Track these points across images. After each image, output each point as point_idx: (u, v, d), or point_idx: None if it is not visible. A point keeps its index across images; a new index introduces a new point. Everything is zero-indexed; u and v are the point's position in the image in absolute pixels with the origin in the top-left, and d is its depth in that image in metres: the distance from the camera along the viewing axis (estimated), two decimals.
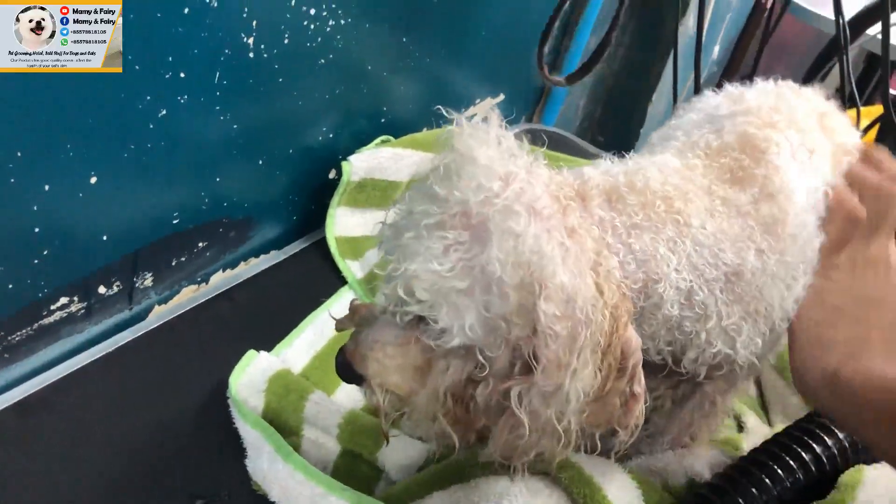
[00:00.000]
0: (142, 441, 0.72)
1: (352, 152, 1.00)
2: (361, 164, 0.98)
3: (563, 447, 0.53)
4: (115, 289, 0.79)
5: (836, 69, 1.41)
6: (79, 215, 0.70)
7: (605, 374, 0.50)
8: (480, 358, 0.50)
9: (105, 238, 0.74)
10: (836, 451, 0.65)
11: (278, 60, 0.80)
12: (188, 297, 0.89)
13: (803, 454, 0.64)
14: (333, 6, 0.83)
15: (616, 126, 1.77)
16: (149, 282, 0.82)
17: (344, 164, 0.97)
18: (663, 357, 0.58)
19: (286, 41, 0.79)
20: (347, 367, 0.55)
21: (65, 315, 0.75)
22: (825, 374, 0.57)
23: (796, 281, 0.59)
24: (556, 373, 0.48)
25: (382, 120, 1.05)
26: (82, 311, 0.77)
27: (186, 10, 0.67)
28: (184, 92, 0.72)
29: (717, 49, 2.03)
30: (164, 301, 0.86)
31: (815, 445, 0.65)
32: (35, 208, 0.66)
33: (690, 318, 0.56)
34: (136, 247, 0.78)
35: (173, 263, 0.84)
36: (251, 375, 0.75)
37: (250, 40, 0.75)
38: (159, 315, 0.85)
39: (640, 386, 0.52)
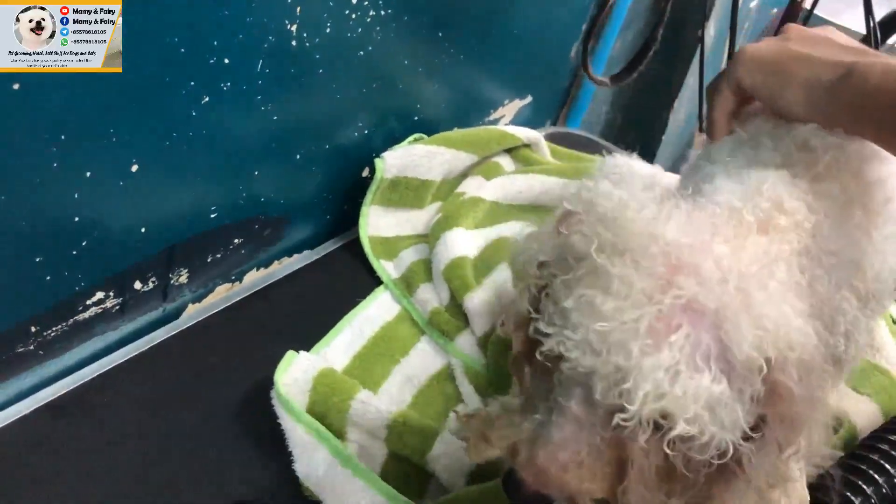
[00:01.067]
0: (178, 443, 0.69)
1: (384, 151, 0.98)
2: (395, 161, 0.96)
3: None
4: (151, 285, 0.76)
5: None
6: (118, 205, 0.68)
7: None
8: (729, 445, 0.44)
9: (143, 231, 0.72)
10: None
11: (319, 50, 0.78)
12: (222, 295, 0.86)
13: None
14: None
15: (638, 133, 1.75)
16: (184, 278, 0.80)
17: (377, 160, 0.94)
18: None
19: (328, 30, 0.77)
20: (539, 498, 0.48)
21: (99, 311, 0.73)
22: None
23: None
24: (793, 435, 0.45)
25: (415, 118, 1.03)
26: (117, 308, 0.74)
27: None
28: (227, 79, 0.70)
29: None
30: (199, 299, 0.84)
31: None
32: (76, 196, 0.63)
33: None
34: (173, 241, 0.76)
35: (209, 260, 0.82)
36: (294, 375, 0.72)
37: (293, 27, 0.73)
38: (193, 314, 0.83)
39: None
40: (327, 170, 0.92)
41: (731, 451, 0.43)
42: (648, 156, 1.76)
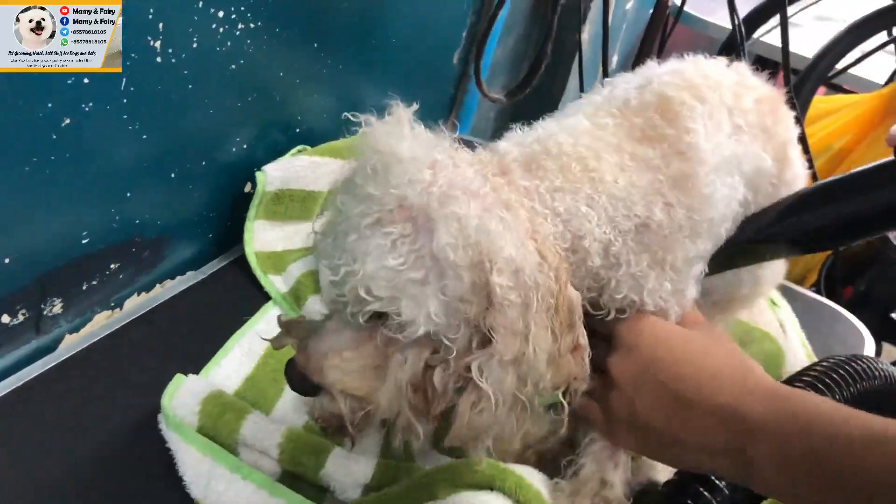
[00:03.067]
0: (62, 482, 0.66)
1: (264, 164, 0.96)
2: (277, 173, 0.94)
3: (523, 423, 0.54)
4: (21, 317, 0.73)
5: None
6: None
7: (558, 331, 0.53)
8: (445, 341, 0.51)
9: (7, 261, 0.68)
10: None
11: (187, 66, 0.76)
12: (102, 323, 0.83)
13: None
14: (242, 9, 0.79)
15: None
16: (58, 308, 0.76)
17: (258, 174, 0.93)
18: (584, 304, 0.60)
19: (195, 45, 0.75)
20: (303, 379, 0.55)
21: None
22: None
23: (701, 236, 0.62)
24: (514, 340, 0.50)
25: (297, 130, 1.02)
26: None
27: None
28: (88, 100, 0.67)
29: (615, 59, 2.08)
30: (76, 329, 0.80)
31: None
32: None
33: (605, 266, 0.58)
34: (42, 270, 0.72)
35: (84, 288, 0.78)
36: (182, 399, 0.70)
37: (157, 44, 0.71)
38: (70, 345, 0.79)
39: (583, 337, 0.55)
40: (206, 187, 0.89)
41: (453, 352, 0.51)
42: None
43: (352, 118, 0.56)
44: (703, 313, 0.72)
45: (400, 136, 0.52)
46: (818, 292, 1.52)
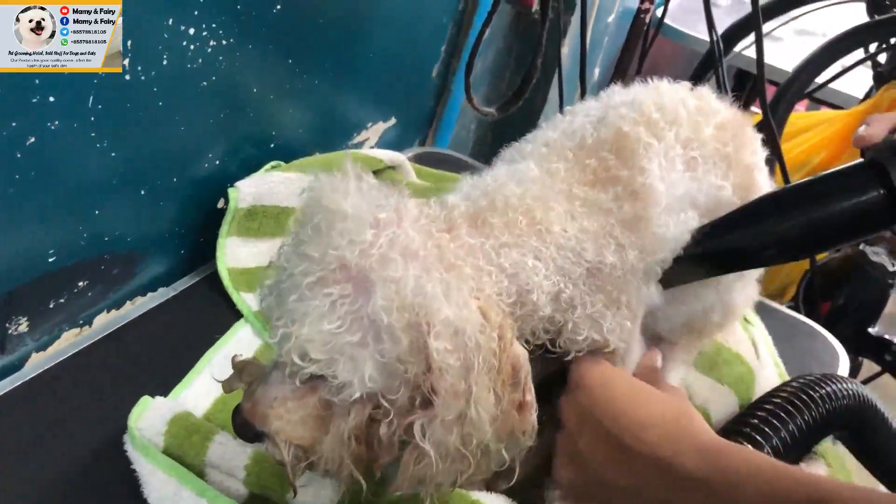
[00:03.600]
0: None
1: (239, 180, 0.96)
2: (249, 189, 0.94)
3: (475, 471, 0.54)
4: None
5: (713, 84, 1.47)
6: None
7: (500, 390, 0.52)
8: (384, 402, 0.51)
9: None
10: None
11: (157, 83, 0.75)
12: (70, 342, 0.82)
13: None
14: (214, 26, 0.79)
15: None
16: (24, 327, 0.76)
17: (230, 190, 0.93)
18: (542, 342, 0.60)
19: (164, 62, 0.75)
20: (247, 427, 0.55)
21: None
22: None
23: (653, 277, 0.63)
24: (455, 401, 0.50)
25: (272, 145, 1.01)
26: None
27: None
28: (54, 118, 0.66)
29: (597, 72, 2.09)
30: (43, 347, 0.79)
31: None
32: None
33: (558, 310, 0.58)
34: (6, 288, 0.71)
35: (51, 305, 0.78)
36: (148, 419, 0.69)
37: (125, 62, 0.70)
38: (37, 363, 0.78)
39: (529, 393, 0.55)
40: (178, 203, 0.89)
41: (391, 414, 0.51)
42: None
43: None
44: (676, 340, 0.72)
45: (346, 191, 0.52)
46: (796, 307, 1.53)
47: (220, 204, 0.96)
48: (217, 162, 0.92)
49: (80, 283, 0.80)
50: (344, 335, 0.49)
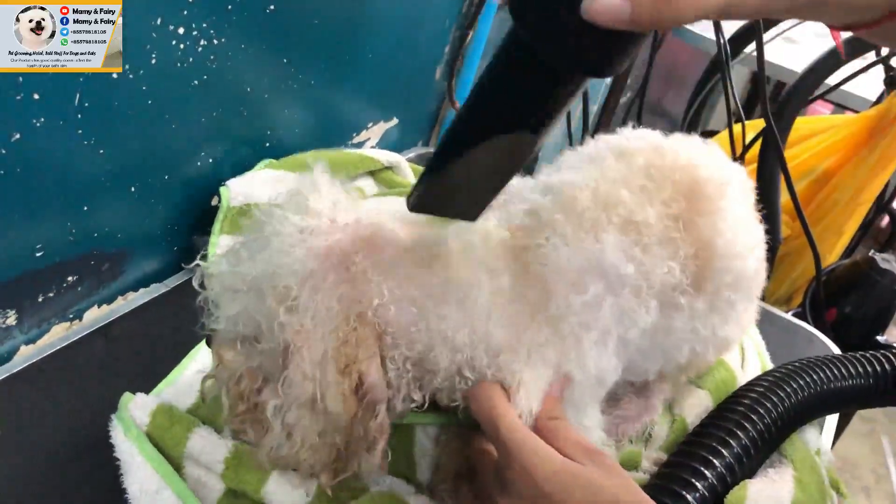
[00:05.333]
0: (8, 497, 0.66)
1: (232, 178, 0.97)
2: (241, 188, 0.94)
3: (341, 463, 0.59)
4: None
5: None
6: None
7: (347, 396, 0.54)
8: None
9: None
10: (716, 482, 0.65)
11: (146, 81, 0.76)
12: (59, 335, 0.83)
13: (686, 495, 0.63)
14: (204, 26, 0.80)
15: None
16: (12, 320, 0.77)
17: (222, 189, 0.93)
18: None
19: (153, 61, 0.76)
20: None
21: None
22: None
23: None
24: (302, 381, 0.54)
25: (267, 144, 1.02)
26: None
27: None
28: (39, 114, 0.67)
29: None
30: (32, 340, 0.81)
31: (695, 482, 0.64)
32: None
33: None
34: None
35: (40, 300, 0.79)
36: (132, 412, 0.70)
37: None
38: (27, 356, 0.79)
39: (381, 433, 0.57)
40: (170, 201, 0.90)
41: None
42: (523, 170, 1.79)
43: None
44: (669, 378, 0.72)
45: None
46: (803, 314, 1.51)
47: (214, 202, 0.97)
48: (210, 160, 0.93)
49: (70, 279, 0.81)
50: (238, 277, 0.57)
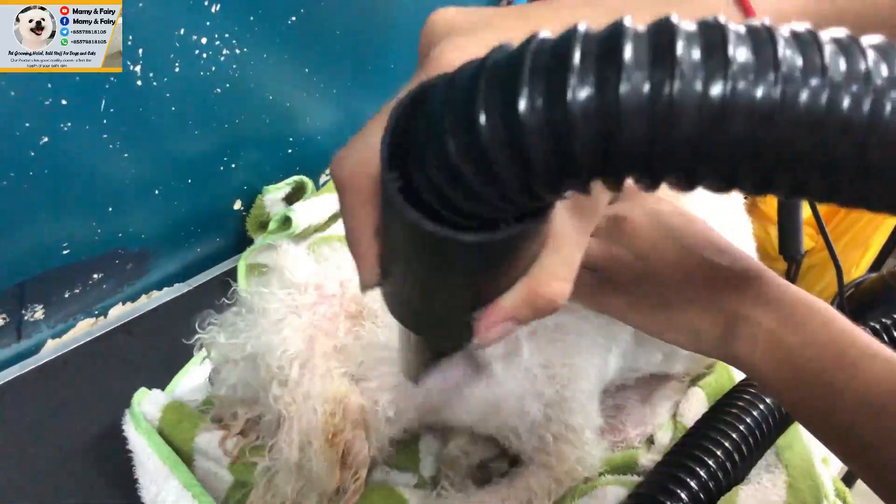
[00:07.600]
0: (29, 483, 0.70)
1: (256, 183, 1.00)
2: (305, 215, 0.96)
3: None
4: (2, 321, 0.77)
5: None
6: None
7: (333, 465, 0.59)
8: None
9: None
10: (710, 483, 0.66)
11: (169, 89, 0.80)
12: (84, 330, 0.87)
13: (680, 493, 0.64)
14: (227, 36, 0.83)
15: None
16: (39, 314, 0.81)
17: (287, 211, 0.96)
18: None
19: (176, 69, 0.79)
20: None
21: None
22: None
23: None
24: (288, 450, 0.59)
25: (289, 151, 1.05)
26: None
27: None
28: (66, 119, 0.71)
29: None
30: (58, 335, 0.84)
31: (689, 481, 0.65)
32: None
33: None
34: (21, 278, 0.76)
35: (66, 296, 0.83)
36: (145, 408, 0.73)
37: (137, 68, 0.75)
38: (52, 349, 0.83)
39: (358, 487, 0.62)
40: (192, 204, 0.93)
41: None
42: None
43: None
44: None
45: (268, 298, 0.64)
46: None
47: (237, 206, 1.00)
48: (232, 166, 0.96)
49: (95, 276, 0.85)
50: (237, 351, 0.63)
